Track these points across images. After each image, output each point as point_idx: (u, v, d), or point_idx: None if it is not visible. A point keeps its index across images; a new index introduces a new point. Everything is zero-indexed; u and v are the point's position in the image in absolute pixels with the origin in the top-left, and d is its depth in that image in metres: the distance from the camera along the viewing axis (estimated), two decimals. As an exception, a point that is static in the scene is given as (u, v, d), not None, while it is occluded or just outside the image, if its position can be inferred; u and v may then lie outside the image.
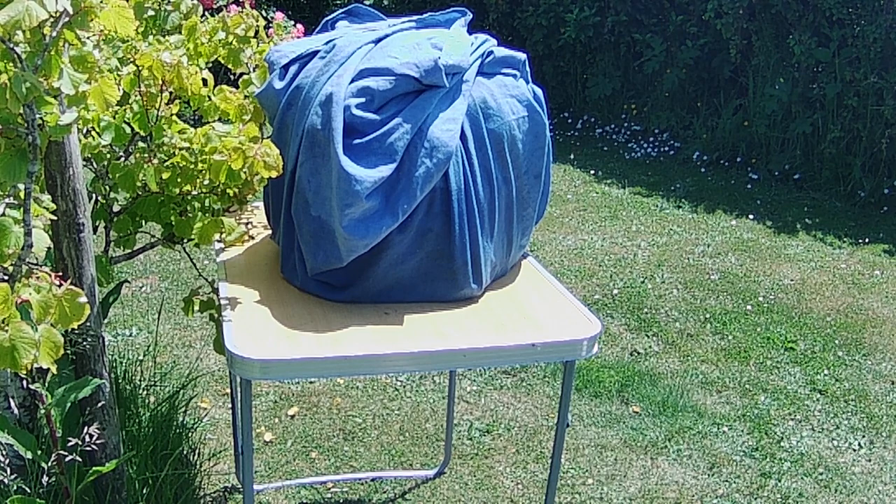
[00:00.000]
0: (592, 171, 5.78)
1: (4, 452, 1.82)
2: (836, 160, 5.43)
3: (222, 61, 2.13)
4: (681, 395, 3.19)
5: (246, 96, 2.07)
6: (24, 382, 1.90)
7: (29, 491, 1.82)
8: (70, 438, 1.80)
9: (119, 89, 1.71)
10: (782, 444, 2.95)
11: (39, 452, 1.76)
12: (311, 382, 3.17)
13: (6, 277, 1.47)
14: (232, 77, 2.22)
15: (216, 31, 2.12)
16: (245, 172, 1.80)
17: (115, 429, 1.95)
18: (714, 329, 3.72)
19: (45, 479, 1.79)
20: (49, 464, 1.76)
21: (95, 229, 1.99)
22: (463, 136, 1.83)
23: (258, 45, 2.15)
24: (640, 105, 6.59)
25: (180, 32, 2.15)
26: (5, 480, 1.75)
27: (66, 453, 1.79)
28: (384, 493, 2.64)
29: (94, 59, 1.51)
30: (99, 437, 1.85)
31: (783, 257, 4.52)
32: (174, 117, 1.98)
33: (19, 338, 1.37)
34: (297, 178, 1.83)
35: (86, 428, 1.82)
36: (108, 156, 1.99)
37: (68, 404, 1.77)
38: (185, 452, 2.37)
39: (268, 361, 1.63)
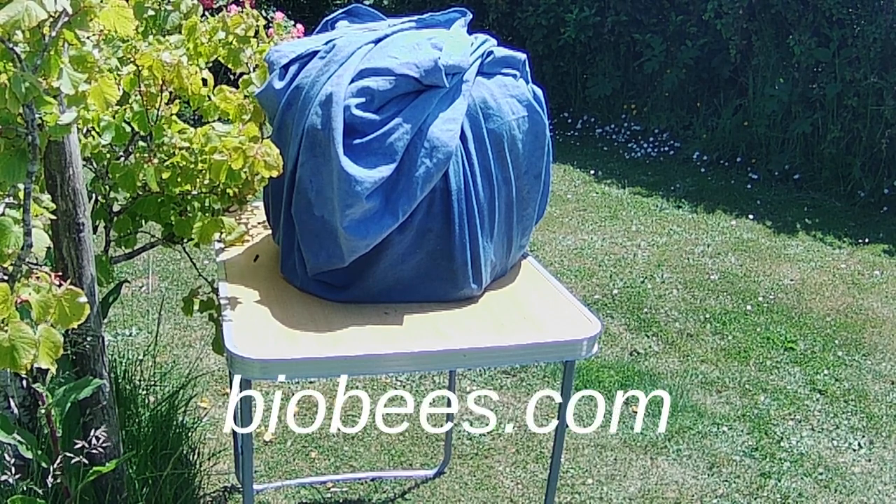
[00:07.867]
0: (592, 171, 5.78)
1: (9, 453, 1.82)
2: (836, 160, 5.42)
3: (222, 61, 2.13)
4: (681, 395, 3.19)
5: (246, 96, 2.07)
6: (24, 382, 1.90)
7: (38, 491, 1.81)
8: (72, 440, 1.80)
9: (119, 89, 1.71)
10: (782, 444, 2.95)
11: (40, 452, 1.76)
12: (311, 382, 3.17)
13: (6, 277, 1.46)
14: (232, 77, 2.22)
15: (216, 30, 2.12)
16: (245, 172, 1.80)
17: (115, 429, 1.95)
18: (714, 329, 3.71)
19: (47, 479, 1.79)
20: (51, 465, 1.76)
21: (95, 229, 1.99)
22: (463, 136, 1.83)
23: (258, 45, 2.15)
24: (640, 105, 6.59)
25: (180, 32, 2.15)
26: (9, 480, 1.75)
27: (69, 455, 1.78)
28: (384, 492, 2.64)
29: (94, 58, 1.51)
30: (105, 440, 1.85)
31: (783, 257, 4.52)
32: (174, 117, 1.98)
33: (18, 338, 1.37)
34: (298, 179, 1.82)
35: (92, 431, 1.82)
36: (108, 156, 1.99)
37: (68, 404, 1.77)
38: (184, 452, 2.37)
39: (268, 361, 1.63)
